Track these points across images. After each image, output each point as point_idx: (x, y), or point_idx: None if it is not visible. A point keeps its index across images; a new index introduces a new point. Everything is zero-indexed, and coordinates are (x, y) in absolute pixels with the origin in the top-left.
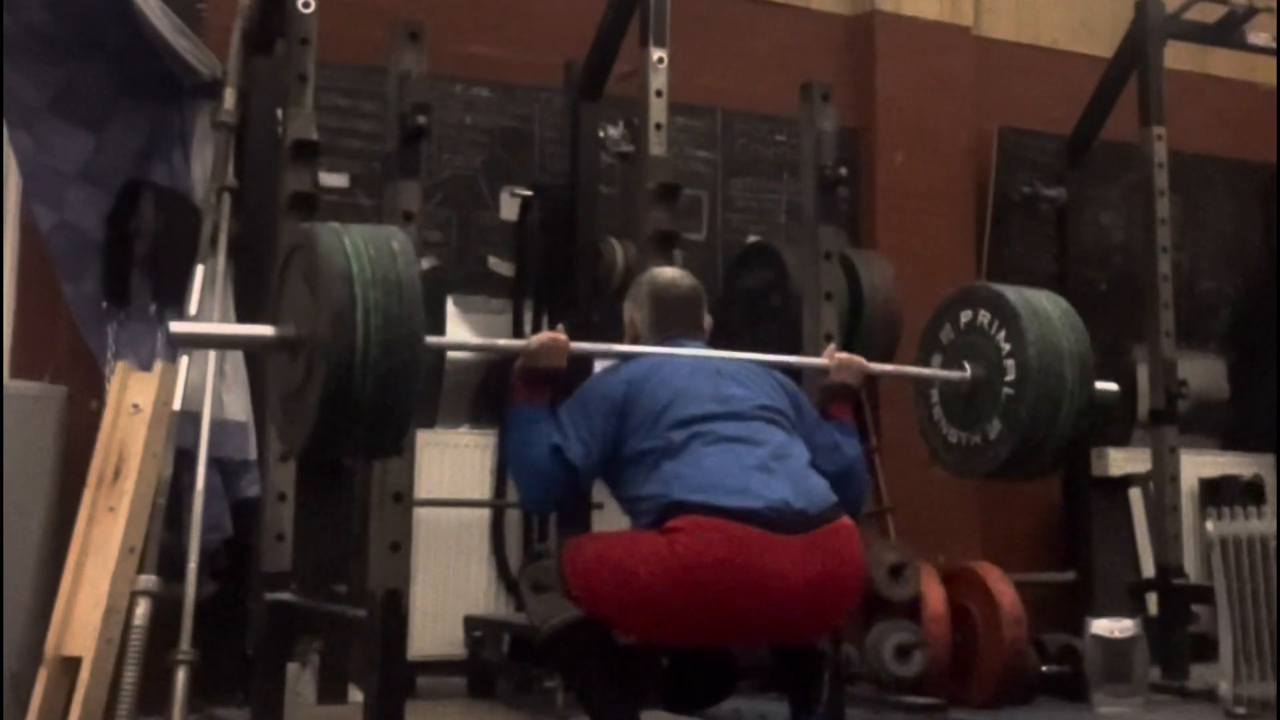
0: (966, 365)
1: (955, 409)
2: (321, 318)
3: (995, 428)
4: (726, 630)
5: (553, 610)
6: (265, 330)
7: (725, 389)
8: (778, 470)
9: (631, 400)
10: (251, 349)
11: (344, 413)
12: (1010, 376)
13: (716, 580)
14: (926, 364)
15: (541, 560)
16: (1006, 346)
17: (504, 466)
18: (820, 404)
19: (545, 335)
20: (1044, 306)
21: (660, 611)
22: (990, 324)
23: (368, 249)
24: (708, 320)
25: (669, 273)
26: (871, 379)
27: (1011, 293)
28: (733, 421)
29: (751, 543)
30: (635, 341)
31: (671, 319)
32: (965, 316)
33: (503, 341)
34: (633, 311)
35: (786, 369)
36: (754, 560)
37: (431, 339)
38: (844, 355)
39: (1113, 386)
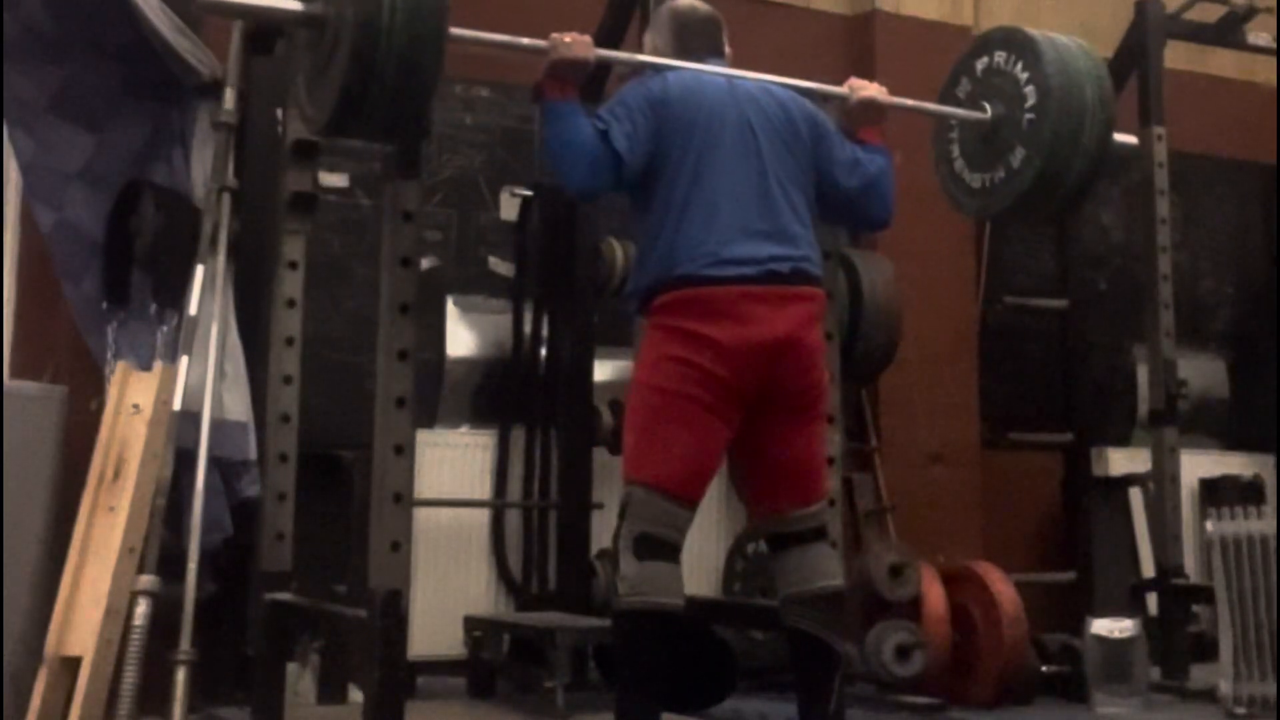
0: (986, 106)
1: (977, 154)
2: None
3: (1019, 155)
4: (739, 366)
5: (642, 588)
6: (293, 4)
7: (745, 128)
8: (770, 232)
9: (669, 102)
10: (277, 21)
11: (367, 86)
12: (1031, 102)
13: (703, 325)
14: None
15: (630, 492)
16: (1024, 76)
17: (504, 465)
18: (847, 128)
19: (569, 33)
20: (1059, 37)
21: (689, 384)
22: (1008, 60)
23: None
24: (728, 48)
25: (687, 0)
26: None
27: (1027, 28)
28: (743, 163)
29: (729, 299)
30: None
31: (693, 41)
32: (981, 64)
33: (527, 40)
34: (655, 39)
35: (805, 93)
36: (731, 309)
37: (455, 29)
38: (861, 80)
39: (1131, 139)
